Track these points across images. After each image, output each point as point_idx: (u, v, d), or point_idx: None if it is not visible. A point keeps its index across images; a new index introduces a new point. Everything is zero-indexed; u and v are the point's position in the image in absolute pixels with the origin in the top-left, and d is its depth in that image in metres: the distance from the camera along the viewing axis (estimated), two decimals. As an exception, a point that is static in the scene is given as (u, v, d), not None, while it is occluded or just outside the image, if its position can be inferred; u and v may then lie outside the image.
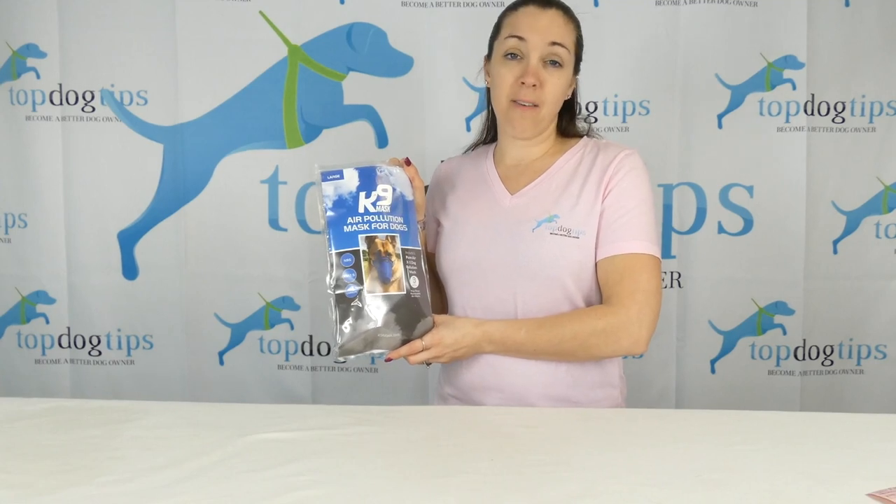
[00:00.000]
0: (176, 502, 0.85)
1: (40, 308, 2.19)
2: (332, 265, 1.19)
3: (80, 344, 2.21)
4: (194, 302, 2.18)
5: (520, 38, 1.29)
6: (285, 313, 2.19)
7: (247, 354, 2.21)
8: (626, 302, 1.25)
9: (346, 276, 1.18)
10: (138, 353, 2.21)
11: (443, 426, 1.14)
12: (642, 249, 1.27)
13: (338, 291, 1.17)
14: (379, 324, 1.17)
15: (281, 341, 2.21)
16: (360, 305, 1.17)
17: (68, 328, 2.20)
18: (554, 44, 1.29)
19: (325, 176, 1.24)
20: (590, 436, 1.09)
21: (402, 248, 1.20)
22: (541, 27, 1.29)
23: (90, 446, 1.03)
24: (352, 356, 1.19)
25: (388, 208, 1.22)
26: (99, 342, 2.21)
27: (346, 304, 1.17)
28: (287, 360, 2.21)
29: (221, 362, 2.21)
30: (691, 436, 1.08)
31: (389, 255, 1.19)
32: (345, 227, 1.20)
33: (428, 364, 1.27)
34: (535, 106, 1.30)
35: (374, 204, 1.22)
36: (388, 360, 1.23)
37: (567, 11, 1.34)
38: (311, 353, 2.20)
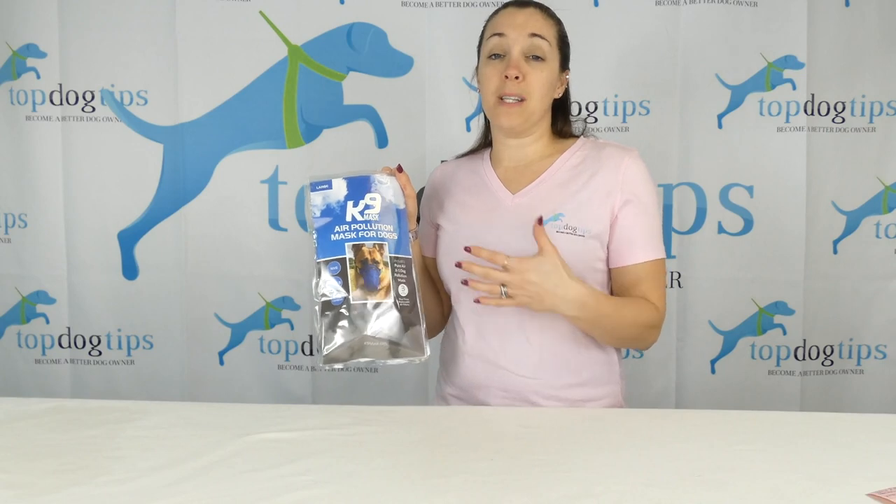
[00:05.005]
0: (176, 502, 0.86)
1: (40, 308, 2.19)
2: (318, 273, 1.18)
3: (80, 344, 2.20)
4: (194, 302, 2.18)
5: (500, 34, 1.33)
6: (285, 313, 2.19)
7: (247, 354, 2.21)
8: (659, 305, 1.34)
9: (332, 283, 1.17)
10: (138, 353, 2.21)
11: (443, 426, 1.14)
12: (661, 254, 1.36)
13: (323, 299, 1.16)
14: (365, 332, 1.15)
15: (281, 341, 2.21)
16: (346, 313, 1.16)
17: (68, 328, 2.20)
18: (534, 35, 1.32)
19: (314, 186, 1.24)
20: (590, 436, 1.09)
21: (391, 257, 1.19)
22: (519, 22, 1.33)
23: (90, 446, 1.04)
24: (337, 365, 1.16)
25: (377, 216, 1.21)
26: (99, 342, 2.20)
27: (332, 312, 1.16)
28: (287, 360, 2.21)
29: (221, 362, 2.21)
30: (691, 436, 1.08)
31: (377, 262, 1.18)
32: (332, 235, 1.20)
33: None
34: (522, 100, 1.32)
35: (361, 212, 1.21)
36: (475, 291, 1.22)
37: (546, 10, 1.38)
38: (310, 353, 2.20)
